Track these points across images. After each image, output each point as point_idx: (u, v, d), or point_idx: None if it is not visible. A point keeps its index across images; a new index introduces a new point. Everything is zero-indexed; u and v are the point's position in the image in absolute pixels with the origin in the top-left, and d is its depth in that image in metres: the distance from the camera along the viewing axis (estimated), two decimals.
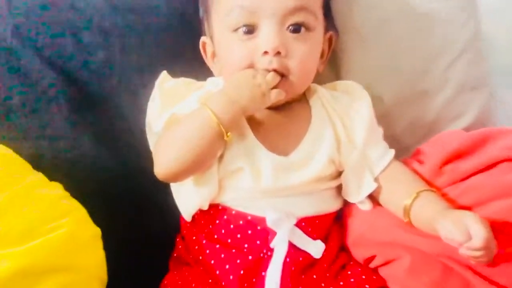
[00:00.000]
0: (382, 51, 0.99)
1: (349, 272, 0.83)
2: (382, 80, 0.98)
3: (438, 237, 0.74)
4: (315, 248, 0.81)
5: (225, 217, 0.82)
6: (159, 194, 0.87)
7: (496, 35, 1.07)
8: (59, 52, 0.90)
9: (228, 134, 0.77)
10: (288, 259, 0.79)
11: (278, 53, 0.79)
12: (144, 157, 0.84)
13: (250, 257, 0.80)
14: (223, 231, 0.82)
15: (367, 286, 0.80)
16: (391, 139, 0.90)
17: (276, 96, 0.79)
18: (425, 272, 0.78)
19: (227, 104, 0.77)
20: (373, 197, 0.86)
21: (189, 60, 0.92)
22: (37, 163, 0.84)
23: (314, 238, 0.82)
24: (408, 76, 0.99)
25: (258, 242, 0.80)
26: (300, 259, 0.80)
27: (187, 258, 0.86)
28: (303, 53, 0.80)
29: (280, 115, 0.85)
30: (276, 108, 0.84)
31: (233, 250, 0.81)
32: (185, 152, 0.77)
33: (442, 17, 0.99)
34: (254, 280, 0.79)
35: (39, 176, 0.81)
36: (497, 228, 0.72)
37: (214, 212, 0.83)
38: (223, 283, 0.79)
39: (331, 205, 0.87)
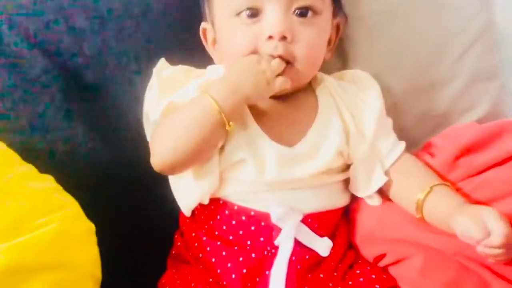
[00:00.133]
0: (390, 40, 0.98)
1: (357, 271, 0.82)
2: (391, 70, 0.97)
3: (453, 234, 0.73)
4: (322, 246, 0.80)
5: (227, 212, 0.81)
6: (156, 187, 0.86)
7: (509, 25, 1.05)
8: (51, 38, 0.89)
9: (230, 124, 0.75)
10: (293, 257, 0.78)
11: (284, 37, 0.77)
12: (141, 149, 0.83)
13: (253, 255, 0.79)
14: (224, 227, 0.81)
15: (377, 286, 0.79)
16: (399, 132, 0.89)
17: (281, 84, 0.78)
18: (439, 272, 0.77)
19: (229, 92, 0.76)
20: (382, 192, 0.85)
21: (188, 47, 0.90)
22: (28, 155, 0.82)
23: (321, 235, 0.81)
24: (417, 66, 0.98)
25: (261, 239, 0.79)
26: (306, 257, 0.79)
27: (186, 256, 0.85)
28: (310, 38, 0.79)
29: (284, 104, 0.84)
30: (280, 97, 0.83)
31: (235, 248, 0.80)
32: (183, 142, 0.76)
33: (453, 5, 0.98)
34: (257, 279, 0.78)
35: (30, 168, 0.80)
36: None
37: (215, 207, 0.82)
38: (224, 283, 0.79)
39: (339, 200, 0.86)
